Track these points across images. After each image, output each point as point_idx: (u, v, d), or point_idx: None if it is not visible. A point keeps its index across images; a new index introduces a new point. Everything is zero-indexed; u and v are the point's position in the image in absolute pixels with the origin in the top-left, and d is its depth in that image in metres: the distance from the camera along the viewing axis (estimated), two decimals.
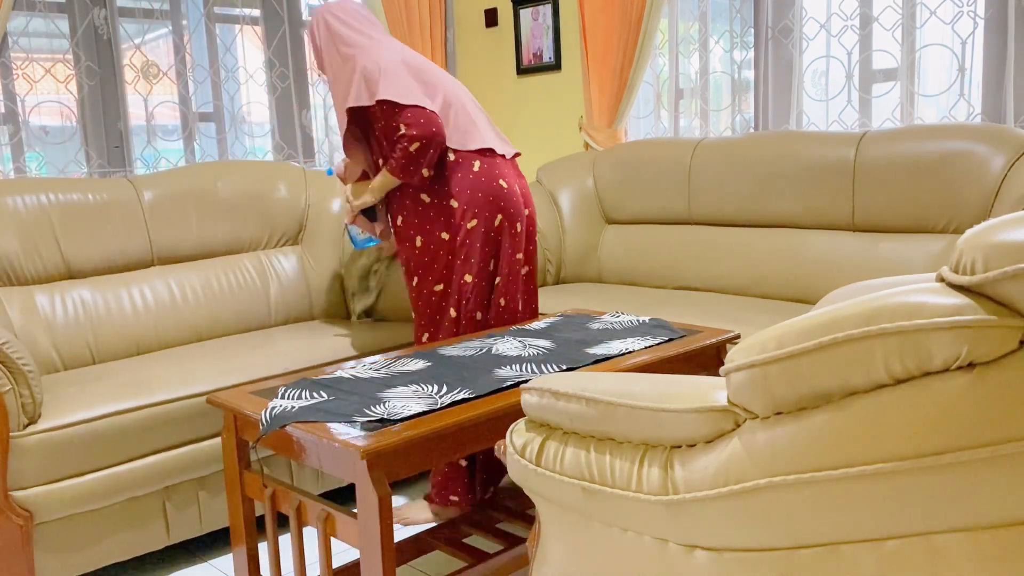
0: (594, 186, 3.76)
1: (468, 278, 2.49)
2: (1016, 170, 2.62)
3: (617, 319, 2.47)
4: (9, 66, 3.44)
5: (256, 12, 4.10)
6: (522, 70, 4.36)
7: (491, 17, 4.46)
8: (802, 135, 3.14)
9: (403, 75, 2.46)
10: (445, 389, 1.87)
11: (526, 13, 4.28)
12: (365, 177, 2.71)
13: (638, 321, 2.43)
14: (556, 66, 4.21)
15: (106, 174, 3.69)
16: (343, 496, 2.87)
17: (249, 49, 4.10)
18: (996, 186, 2.65)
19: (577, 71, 4.13)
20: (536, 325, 2.45)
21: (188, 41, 3.89)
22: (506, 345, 2.23)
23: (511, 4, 4.35)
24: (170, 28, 3.85)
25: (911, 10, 3.12)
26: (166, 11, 3.82)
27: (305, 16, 4.28)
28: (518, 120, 4.46)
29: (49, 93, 3.56)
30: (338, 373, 2.05)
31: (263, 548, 2.44)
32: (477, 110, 2.63)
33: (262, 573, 2.07)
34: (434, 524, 2.50)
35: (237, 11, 4.05)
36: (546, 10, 4.19)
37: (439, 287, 2.51)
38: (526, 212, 2.62)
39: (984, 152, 2.68)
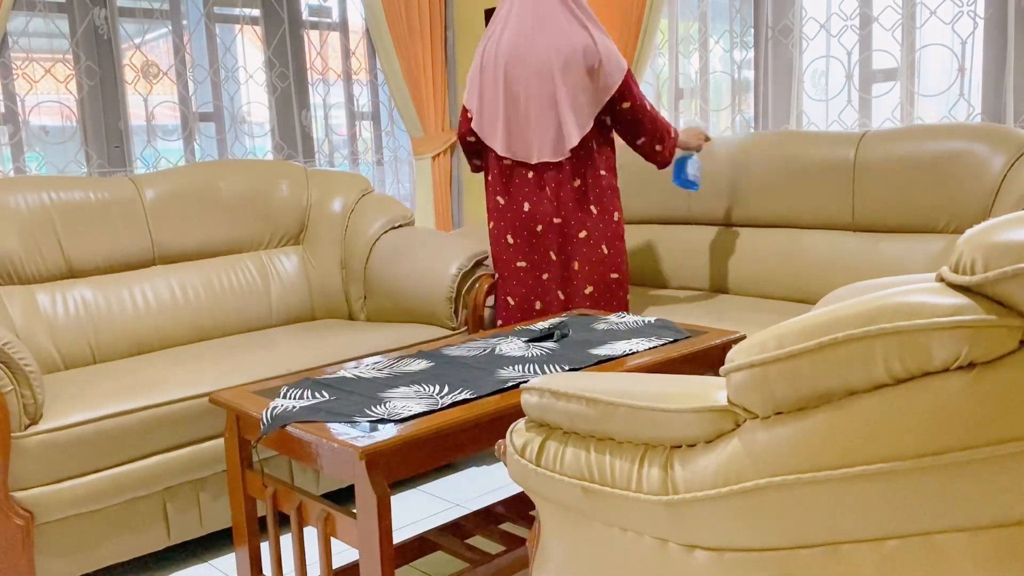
0: None
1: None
2: (1016, 170, 2.62)
3: (622, 320, 2.47)
4: (9, 66, 3.44)
5: (256, 12, 4.10)
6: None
7: (491, 17, 4.46)
8: (802, 135, 3.14)
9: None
10: (446, 389, 1.87)
11: None
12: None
13: (643, 322, 2.43)
14: None
15: (106, 174, 3.69)
16: (344, 496, 2.88)
17: (249, 49, 4.10)
18: (996, 186, 2.65)
19: None
20: (540, 326, 2.45)
21: (188, 41, 3.90)
22: (509, 345, 2.23)
23: None
24: (170, 28, 3.86)
25: (911, 10, 3.12)
26: (166, 11, 3.82)
27: (305, 16, 4.29)
28: None
29: (49, 93, 3.56)
30: (340, 373, 2.05)
31: (264, 547, 2.44)
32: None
33: (263, 573, 2.07)
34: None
35: (237, 11, 4.05)
36: None
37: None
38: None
39: (984, 152, 2.68)
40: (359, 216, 3.29)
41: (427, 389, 1.89)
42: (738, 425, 1.15)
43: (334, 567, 2.21)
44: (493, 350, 2.19)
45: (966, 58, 3.05)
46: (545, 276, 2.88)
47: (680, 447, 1.22)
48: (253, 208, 3.24)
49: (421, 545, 2.15)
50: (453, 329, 2.98)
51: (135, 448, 2.29)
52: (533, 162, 2.83)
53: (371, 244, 3.22)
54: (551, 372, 1.94)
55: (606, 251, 2.83)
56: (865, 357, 1.00)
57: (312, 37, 4.32)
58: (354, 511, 1.69)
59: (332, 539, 2.44)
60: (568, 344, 2.22)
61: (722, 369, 1.16)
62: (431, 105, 4.54)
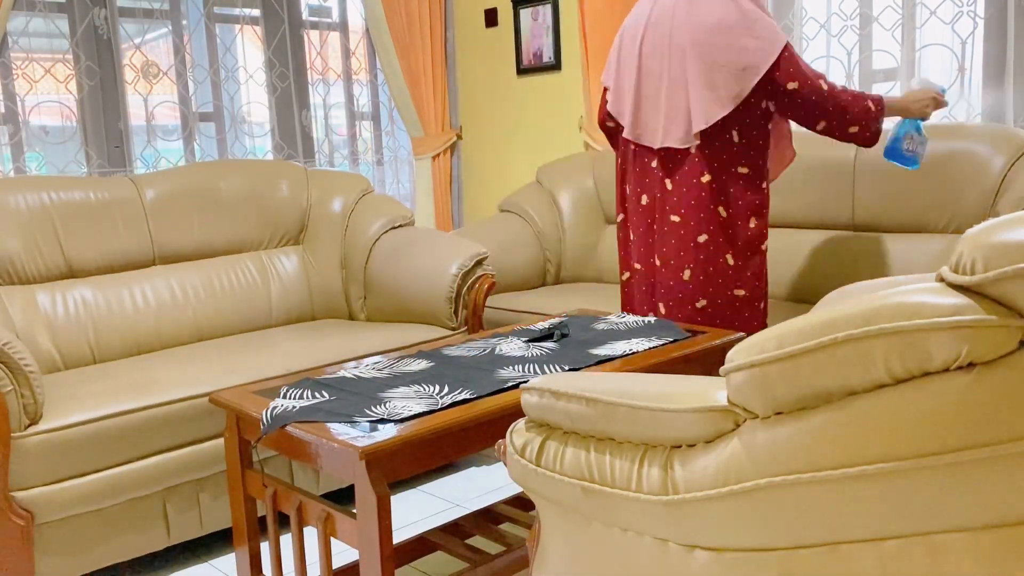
0: (594, 186, 3.76)
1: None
2: (1016, 170, 2.62)
3: (623, 319, 2.47)
4: (9, 66, 3.44)
5: (256, 12, 4.10)
6: (522, 70, 4.36)
7: (491, 17, 4.47)
8: (802, 135, 3.14)
9: None
10: (446, 389, 1.87)
11: (526, 13, 4.28)
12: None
13: (643, 322, 2.43)
14: (556, 66, 4.21)
15: (106, 174, 3.69)
16: (344, 496, 2.88)
17: (249, 49, 4.10)
18: (996, 186, 2.65)
19: (577, 71, 4.13)
20: (540, 326, 2.45)
21: (188, 41, 3.90)
22: (510, 345, 2.23)
23: (511, 4, 4.35)
24: (170, 28, 3.86)
25: (911, 10, 3.12)
26: (166, 11, 3.82)
27: (305, 16, 4.29)
28: (518, 120, 4.46)
29: (49, 93, 3.56)
30: (341, 373, 2.05)
31: (264, 547, 2.44)
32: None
33: (263, 573, 2.07)
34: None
35: (237, 11, 4.05)
36: (546, 10, 4.19)
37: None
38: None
39: (984, 152, 2.68)
40: (359, 216, 3.29)
41: (427, 389, 1.89)
42: (738, 425, 1.15)
43: (334, 567, 2.21)
44: (493, 350, 2.19)
45: (966, 58, 3.05)
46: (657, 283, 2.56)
47: (680, 447, 1.22)
48: (253, 208, 3.24)
49: (421, 545, 2.15)
50: (453, 329, 2.98)
51: (135, 448, 2.29)
52: (657, 146, 2.46)
53: (371, 244, 3.22)
54: (551, 372, 1.94)
55: (731, 262, 2.43)
56: (865, 357, 1.00)
57: (312, 37, 4.32)
58: (354, 511, 1.69)
59: (332, 539, 2.44)
60: (568, 344, 2.22)
61: (722, 369, 1.16)
62: (431, 105, 4.54)
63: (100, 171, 3.68)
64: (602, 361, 2.05)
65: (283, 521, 2.67)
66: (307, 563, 2.34)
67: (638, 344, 2.17)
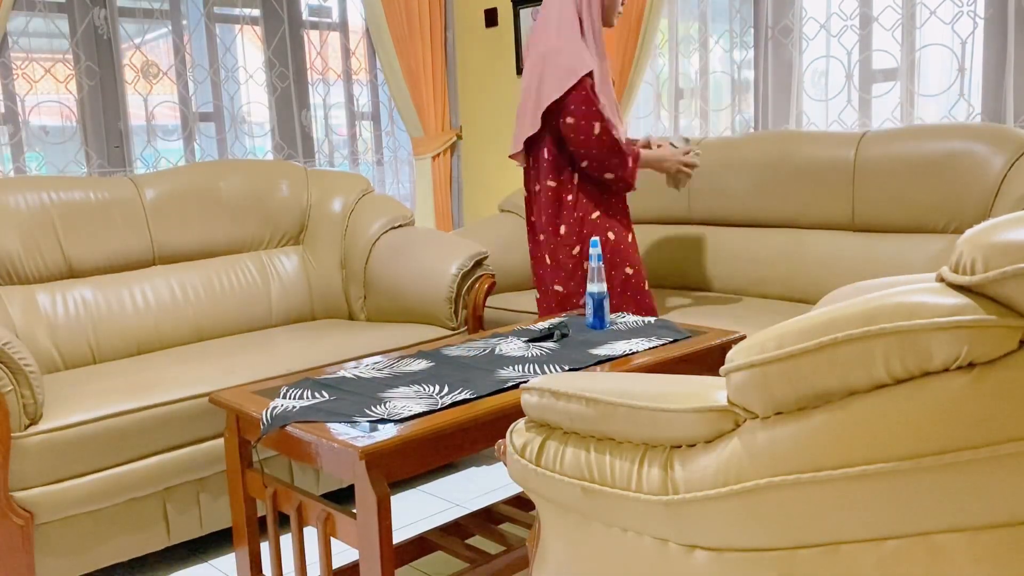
0: None
1: None
2: (1016, 170, 2.62)
3: (623, 319, 2.47)
4: (9, 66, 3.44)
5: (256, 12, 4.10)
6: (522, 70, 4.36)
7: (491, 17, 4.46)
8: (802, 135, 3.14)
9: None
10: (446, 389, 1.87)
11: (526, 13, 4.28)
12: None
13: (643, 322, 2.43)
14: None
15: (106, 174, 3.69)
16: (344, 496, 2.88)
17: (249, 49, 4.10)
18: (996, 186, 2.65)
19: None
20: (540, 326, 2.45)
21: (188, 41, 3.90)
22: (510, 345, 2.23)
23: (511, 4, 4.35)
24: (170, 28, 3.86)
25: (911, 10, 3.12)
26: (166, 11, 3.82)
27: (305, 16, 4.28)
28: None
29: (49, 93, 3.56)
30: (341, 373, 2.05)
31: (264, 547, 2.44)
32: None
33: (263, 573, 2.07)
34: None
35: (237, 11, 4.05)
36: None
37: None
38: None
39: (984, 152, 2.68)
40: (359, 216, 3.29)
41: (427, 389, 1.88)
42: (738, 425, 1.15)
43: (334, 567, 2.21)
44: (493, 350, 2.19)
45: (966, 58, 3.05)
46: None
47: (680, 447, 1.22)
48: (253, 208, 3.24)
49: (421, 545, 2.15)
50: (453, 329, 2.98)
51: (135, 448, 2.29)
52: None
53: (371, 244, 3.22)
54: (551, 372, 1.94)
55: (549, 262, 2.78)
56: (865, 357, 1.00)
57: (312, 37, 4.32)
58: (354, 511, 1.69)
59: (332, 539, 2.44)
60: (568, 344, 2.22)
61: (722, 369, 1.16)
62: (431, 105, 4.54)
63: (100, 171, 3.68)
64: (602, 361, 2.05)
65: (283, 521, 2.67)
66: (307, 563, 2.34)
67: (638, 344, 2.17)
